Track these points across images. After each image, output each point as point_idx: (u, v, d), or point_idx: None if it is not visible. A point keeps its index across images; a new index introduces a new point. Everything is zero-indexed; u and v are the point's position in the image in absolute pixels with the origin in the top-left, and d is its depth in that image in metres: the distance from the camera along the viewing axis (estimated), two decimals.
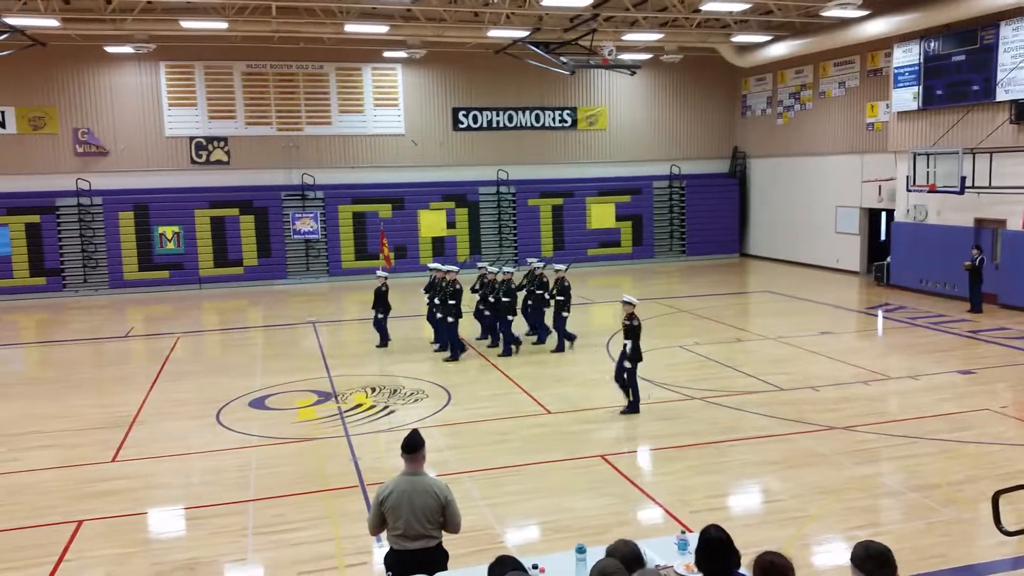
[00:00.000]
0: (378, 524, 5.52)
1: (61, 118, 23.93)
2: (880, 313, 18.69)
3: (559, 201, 27.49)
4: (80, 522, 8.21)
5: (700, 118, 29.07)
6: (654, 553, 5.11)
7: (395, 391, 12.86)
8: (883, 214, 24.13)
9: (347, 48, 24.62)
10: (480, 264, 16.53)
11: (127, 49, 21.85)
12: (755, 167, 28.88)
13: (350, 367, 14.51)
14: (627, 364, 11.20)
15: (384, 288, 15.79)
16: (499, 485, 8.96)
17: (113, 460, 10.12)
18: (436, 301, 14.93)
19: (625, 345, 11.19)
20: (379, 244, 22.54)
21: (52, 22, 18.86)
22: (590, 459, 9.63)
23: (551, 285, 15.56)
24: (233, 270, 24.76)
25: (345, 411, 11.86)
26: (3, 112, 23.47)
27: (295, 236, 25.48)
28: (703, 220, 28.67)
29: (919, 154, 19.93)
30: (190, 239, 24.60)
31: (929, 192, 19.75)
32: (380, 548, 7.05)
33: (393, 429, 10.94)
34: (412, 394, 12.68)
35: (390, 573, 5.11)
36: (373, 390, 12.94)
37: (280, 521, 8.15)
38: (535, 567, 4.92)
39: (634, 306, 11.34)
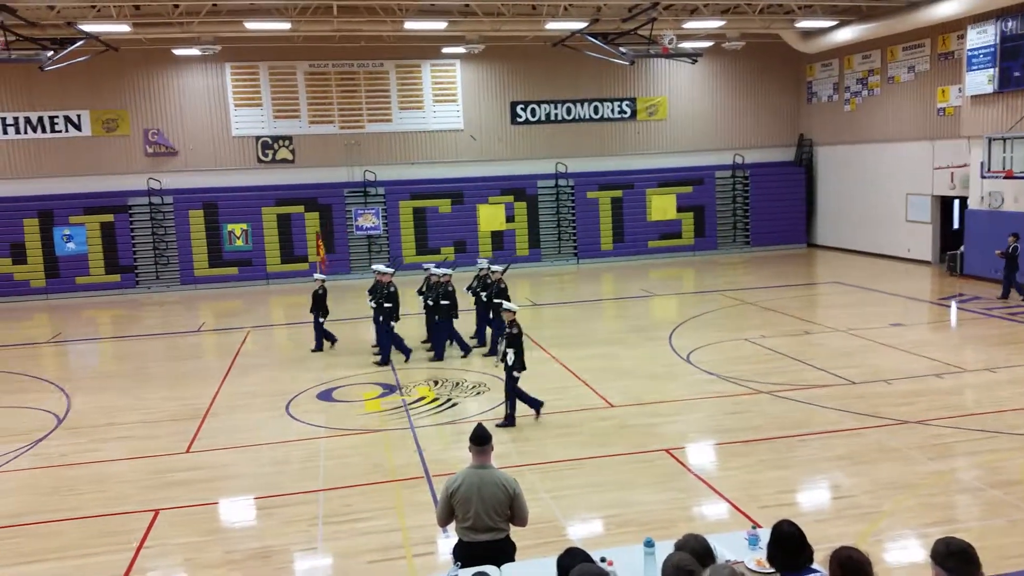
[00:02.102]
0: (447, 516, 5.57)
1: (132, 120, 24.71)
2: (954, 304, 18.07)
3: (618, 193, 27.26)
4: (157, 511, 8.49)
5: (764, 105, 28.48)
6: (724, 548, 5.04)
7: (457, 384, 12.96)
8: (956, 202, 23.30)
9: (406, 45, 24.83)
10: (425, 266, 15.98)
11: (194, 51, 22.44)
12: (822, 155, 28.18)
13: (413, 360, 14.65)
14: (516, 374, 10.61)
15: (321, 291, 15.42)
16: (563, 478, 8.95)
17: (187, 451, 10.43)
18: (429, 303, 14.76)
19: (506, 355, 10.60)
20: (316, 247, 21.81)
21: (124, 27, 19.49)
22: (655, 453, 9.55)
23: (478, 287, 15.13)
24: (298, 266, 25.24)
25: (409, 403, 12.00)
26: (79, 115, 24.36)
27: (357, 232, 25.85)
28: (768, 210, 28.08)
29: (994, 139, 19.16)
30: (257, 236, 25.18)
31: (1005, 178, 18.98)
32: (446, 539, 7.12)
33: (456, 421, 11.03)
34: (474, 387, 12.76)
35: (459, 563, 5.16)
36: (436, 383, 13.06)
37: (349, 511, 8.30)
38: (603, 560, 4.89)
39: (514, 313, 10.88)
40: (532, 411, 11.02)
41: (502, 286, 14.54)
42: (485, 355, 14.72)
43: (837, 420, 10.46)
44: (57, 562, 7.47)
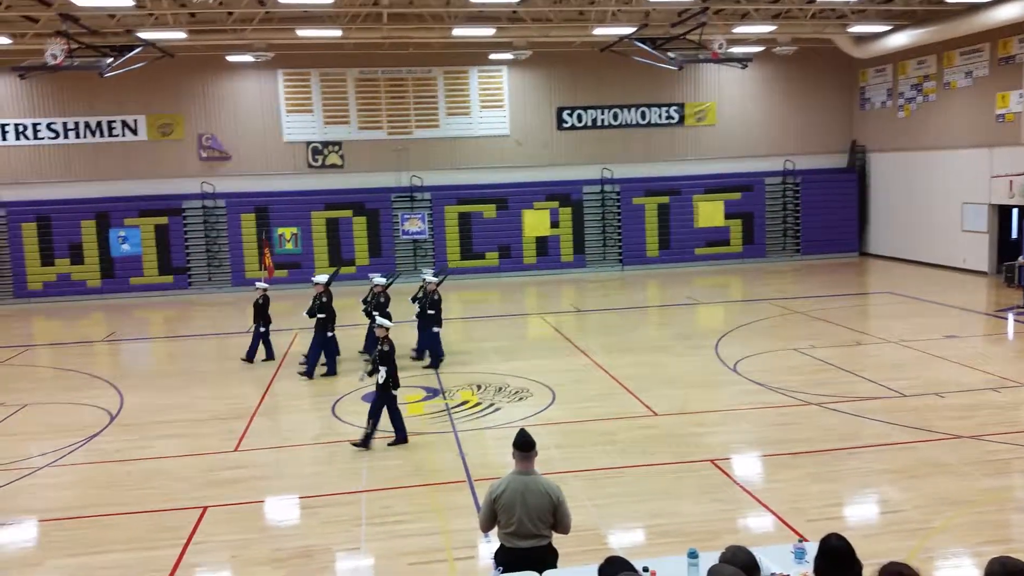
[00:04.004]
0: (490, 521, 5.57)
1: (187, 125, 25.31)
2: (1011, 316, 17.53)
3: (665, 199, 27.05)
4: (205, 508, 8.66)
5: (815, 111, 28.02)
6: (769, 561, 4.96)
7: (500, 389, 12.98)
8: (1014, 211, 22.62)
9: (454, 52, 25.01)
10: (371, 274, 15.78)
11: (247, 58, 22.89)
12: (875, 162, 27.62)
13: (456, 364, 14.73)
14: (393, 392, 10.32)
15: (262, 300, 15.26)
16: (605, 486, 8.90)
17: (236, 449, 10.62)
18: (419, 311, 14.63)
19: (377, 371, 10.26)
20: (264, 253, 21.54)
21: (180, 34, 19.98)
22: (699, 463, 9.44)
23: (419, 296, 14.84)
24: (346, 269, 25.53)
25: (452, 407, 12.05)
26: (135, 120, 25.03)
27: (404, 236, 26.08)
28: (819, 217, 27.58)
29: None
30: (307, 240, 25.56)
31: None
32: (487, 544, 7.13)
33: (499, 427, 11.04)
34: (517, 392, 12.76)
35: (500, 568, 5.16)
36: (479, 387, 13.10)
37: (391, 513, 8.37)
38: (645, 570, 4.86)
39: (387, 329, 10.61)
40: (395, 436, 10.37)
41: (435, 297, 14.37)
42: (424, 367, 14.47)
43: (887, 433, 10.23)
44: (114, 554, 7.67)
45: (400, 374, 10.66)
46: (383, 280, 15.23)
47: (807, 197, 27.60)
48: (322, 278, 14.75)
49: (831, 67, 27.52)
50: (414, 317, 15.00)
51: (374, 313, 13.77)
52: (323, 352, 14.31)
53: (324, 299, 14.31)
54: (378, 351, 10.43)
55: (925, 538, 7.35)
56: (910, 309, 18.64)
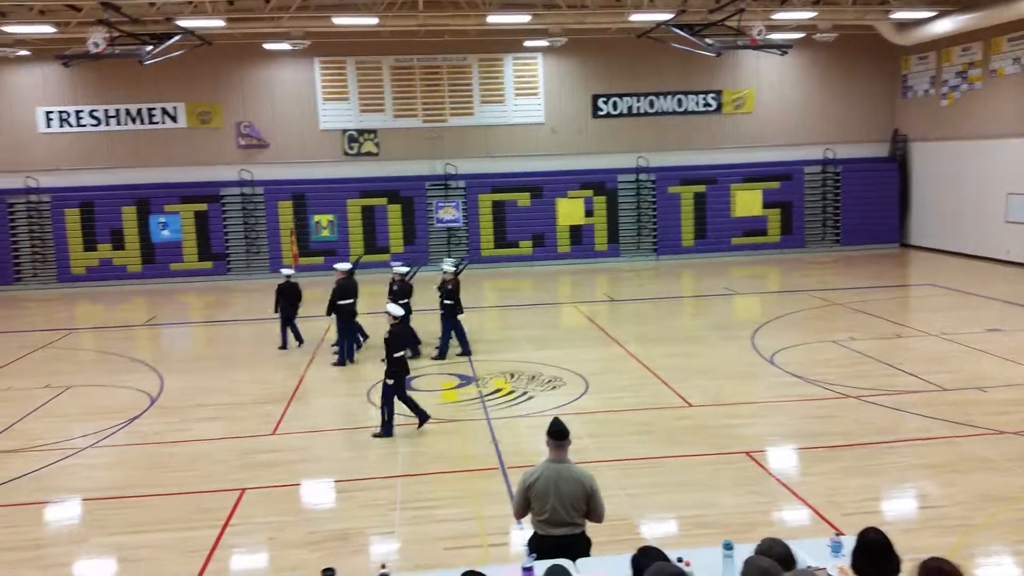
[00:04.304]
0: (523, 508, 5.60)
1: (225, 113, 25.59)
2: None
3: (701, 188, 26.79)
4: (243, 490, 8.80)
5: (856, 99, 27.50)
6: (805, 554, 4.92)
7: (533, 377, 12.99)
8: None
9: (489, 39, 24.95)
10: (392, 263, 15.65)
11: (284, 46, 23.06)
12: (917, 151, 27.06)
13: (489, 352, 14.77)
14: (388, 381, 10.28)
15: (289, 286, 15.44)
16: (639, 476, 8.88)
17: (273, 433, 10.77)
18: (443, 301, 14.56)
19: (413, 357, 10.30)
20: (291, 243, 21.55)
21: (218, 22, 20.18)
22: (735, 455, 9.37)
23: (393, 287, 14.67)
24: (380, 256, 25.70)
25: (485, 395, 12.09)
26: (175, 107, 25.37)
27: (438, 224, 26.16)
28: (859, 207, 27.10)
29: None
30: (342, 227, 25.76)
31: None
32: (520, 531, 7.16)
33: (531, 415, 11.06)
34: (550, 381, 12.76)
35: (534, 555, 5.18)
36: (512, 375, 13.12)
37: (425, 498, 8.44)
38: (679, 560, 4.83)
39: (395, 318, 10.57)
40: (418, 421, 10.52)
41: (449, 288, 14.30)
42: (457, 355, 14.46)
43: (927, 427, 10.06)
44: (154, 534, 7.83)
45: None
46: (404, 269, 15.18)
47: (847, 186, 27.15)
48: (345, 266, 14.86)
49: (872, 54, 26.97)
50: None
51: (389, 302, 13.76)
52: (351, 337, 14.46)
53: (449, 286, 14.32)
54: (386, 338, 10.46)
55: (966, 535, 7.23)
56: (952, 301, 18.28)
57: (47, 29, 20.14)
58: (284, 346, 15.62)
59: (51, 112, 24.94)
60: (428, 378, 13.18)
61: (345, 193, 25.74)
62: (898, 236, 27.60)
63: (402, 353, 10.46)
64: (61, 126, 25.05)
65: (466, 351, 14.60)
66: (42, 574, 7.18)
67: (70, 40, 20.58)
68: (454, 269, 14.81)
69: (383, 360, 10.48)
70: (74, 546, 7.72)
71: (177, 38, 20.29)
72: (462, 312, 14.66)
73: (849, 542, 4.66)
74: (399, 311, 10.83)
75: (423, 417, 10.57)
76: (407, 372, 10.62)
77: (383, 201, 25.85)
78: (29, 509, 8.56)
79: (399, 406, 10.42)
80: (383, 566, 5.10)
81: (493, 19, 20.75)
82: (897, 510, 8.04)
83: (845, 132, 27.56)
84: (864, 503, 7.99)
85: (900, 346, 14.35)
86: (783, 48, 22.49)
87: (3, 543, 7.76)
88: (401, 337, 10.58)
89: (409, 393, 10.78)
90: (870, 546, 4.30)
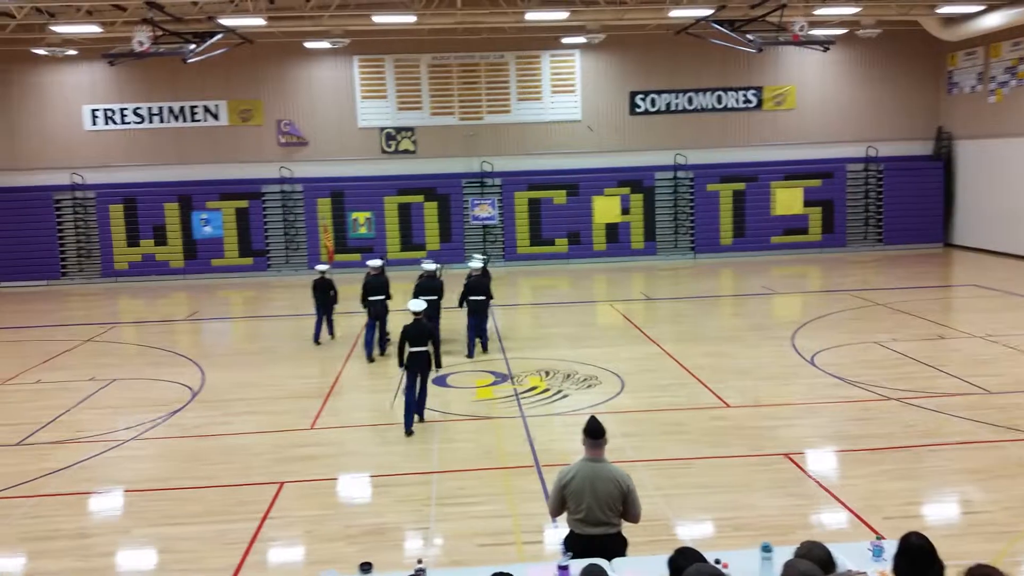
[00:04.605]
0: (559, 507, 5.59)
1: (266, 110, 25.91)
2: None
3: (741, 186, 26.48)
4: (282, 483, 8.91)
5: (900, 96, 26.96)
6: (845, 558, 4.85)
7: (569, 375, 12.96)
8: None
9: (526, 36, 24.92)
10: (423, 263, 15.43)
11: (324, 44, 23.26)
12: (962, 149, 26.46)
13: (525, 350, 14.77)
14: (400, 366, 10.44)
15: (323, 282, 15.60)
16: (675, 476, 8.82)
17: (312, 427, 10.89)
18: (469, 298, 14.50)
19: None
20: (324, 238, 21.47)
21: (259, 21, 20.43)
22: (773, 457, 9.25)
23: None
24: (417, 254, 25.79)
25: (520, 393, 12.10)
26: (216, 105, 25.75)
27: (473, 222, 26.22)
28: (903, 206, 26.56)
29: None
30: (380, 224, 25.94)
31: None
32: (555, 529, 7.15)
33: (566, 413, 11.04)
34: (585, 379, 12.72)
35: (570, 553, 5.17)
36: (547, 373, 13.10)
37: (460, 494, 8.47)
38: (717, 562, 4.79)
39: (415, 313, 10.61)
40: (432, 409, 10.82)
41: (435, 284, 14.25)
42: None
43: (972, 431, 9.84)
44: (194, 526, 7.96)
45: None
46: (432, 266, 15.08)
47: (890, 185, 26.64)
48: (376, 262, 14.97)
49: (917, 50, 26.42)
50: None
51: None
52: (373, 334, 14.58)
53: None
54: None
55: (1012, 542, 7.06)
56: (997, 303, 17.86)
57: (94, 29, 20.57)
58: (317, 340, 15.82)
59: (97, 110, 25.47)
60: (462, 375, 13.22)
61: (383, 191, 25.90)
62: (942, 235, 27.01)
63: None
64: (106, 124, 25.56)
65: (470, 354, 14.42)
66: (85, 563, 7.35)
67: (115, 39, 21.00)
68: (481, 265, 14.78)
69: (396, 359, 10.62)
70: (116, 536, 7.89)
71: (219, 36, 20.59)
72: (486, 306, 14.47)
73: (890, 546, 4.58)
74: (419, 306, 10.80)
75: (417, 416, 10.62)
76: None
77: (420, 199, 25.97)
78: (74, 499, 8.76)
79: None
80: (419, 561, 5.13)
81: (531, 16, 20.71)
82: (940, 515, 7.88)
83: (888, 130, 27.04)
84: (905, 507, 7.85)
85: (943, 348, 14.06)
86: (825, 44, 22.15)
87: (48, 532, 7.96)
88: (409, 333, 10.59)
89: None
90: (913, 551, 4.22)
